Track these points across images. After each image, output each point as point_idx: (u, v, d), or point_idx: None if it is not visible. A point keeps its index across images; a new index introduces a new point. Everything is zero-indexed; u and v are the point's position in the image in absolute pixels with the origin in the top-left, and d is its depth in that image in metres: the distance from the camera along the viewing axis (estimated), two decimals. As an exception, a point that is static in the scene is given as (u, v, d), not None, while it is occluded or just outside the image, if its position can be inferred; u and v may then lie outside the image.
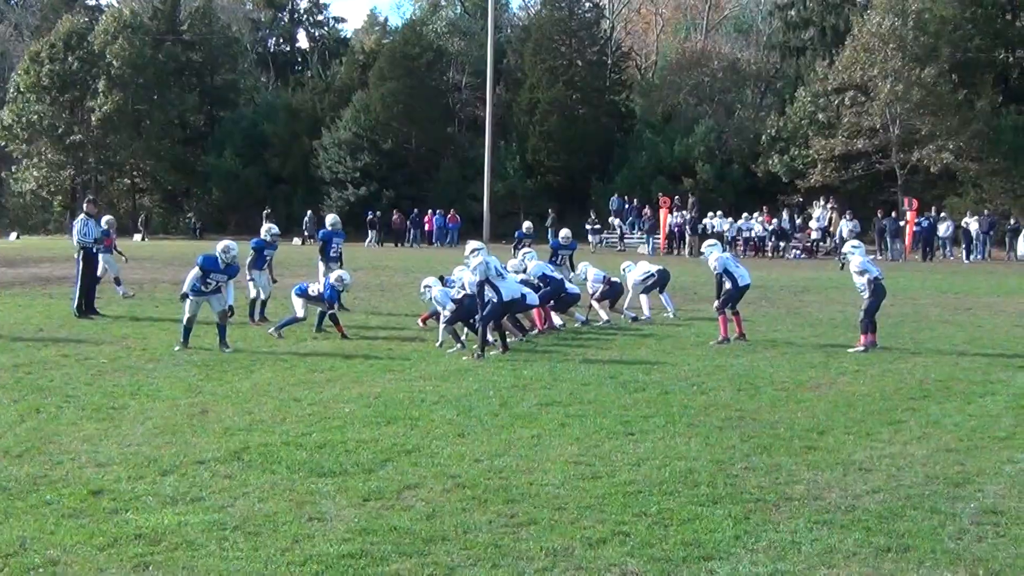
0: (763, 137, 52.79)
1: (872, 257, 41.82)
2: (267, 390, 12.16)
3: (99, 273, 21.69)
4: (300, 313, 17.15)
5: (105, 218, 23.89)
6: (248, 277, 18.45)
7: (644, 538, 6.86)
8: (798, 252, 44.45)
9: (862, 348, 15.42)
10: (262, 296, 18.43)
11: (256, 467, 8.61)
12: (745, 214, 46.72)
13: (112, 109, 62.61)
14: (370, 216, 53.20)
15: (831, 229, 45.00)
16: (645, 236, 46.86)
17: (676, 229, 46.96)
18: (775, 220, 46.11)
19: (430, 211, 54.21)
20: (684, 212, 47.06)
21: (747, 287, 16.63)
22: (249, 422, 10.35)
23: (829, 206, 46.00)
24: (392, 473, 8.46)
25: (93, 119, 63.53)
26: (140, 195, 69.96)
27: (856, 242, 17.05)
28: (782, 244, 44.97)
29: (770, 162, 51.69)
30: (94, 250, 19.97)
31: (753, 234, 45.50)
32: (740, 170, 55.18)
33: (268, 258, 18.99)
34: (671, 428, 10.20)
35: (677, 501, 7.69)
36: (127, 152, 65.27)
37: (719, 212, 47.37)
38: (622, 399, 11.72)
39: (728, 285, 16.47)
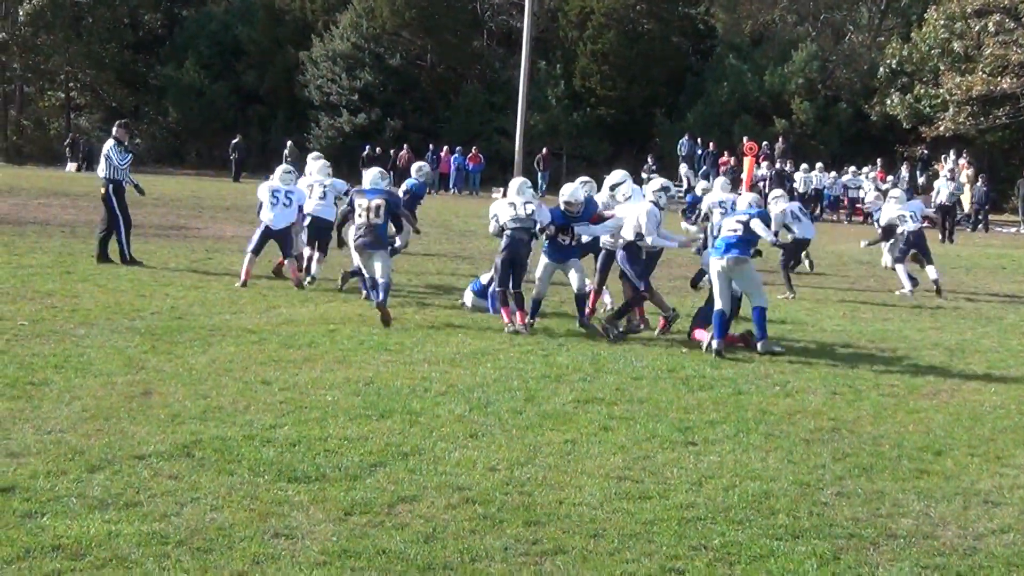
0: (880, 70, 52.49)
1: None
2: (228, 368, 12.19)
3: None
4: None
5: (316, 157, 23.94)
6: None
7: (702, 578, 6.87)
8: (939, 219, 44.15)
9: None
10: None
11: (210, 466, 8.64)
12: (852, 168, 46.47)
13: (44, 2, 62.72)
14: (367, 151, 53.23)
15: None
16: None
17: (762, 184, 46.75)
18: (891, 177, 45.83)
19: (446, 148, 54.16)
20: (776, 162, 46.78)
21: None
22: (203, 409, 10.38)
23: (962, 161, 45.67)
24: (383, 481, 8.48)
25: (20, 13, 63.73)
26: (76, 113, 70.22)
27: None
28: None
29: (888, 102, 51.37)
30: (125, 183, 20.63)
31: (861, 194, 45.23)
32: (848, 111, 54.98)
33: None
34: (743, 439, 10.19)
35: (747, 533, 7.69)
36: (62, 58, 65.48)
37: (819, 164, 47.11)
38: (682, 399, 11.72)
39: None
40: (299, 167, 23.75)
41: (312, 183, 19.58)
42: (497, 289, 15.48)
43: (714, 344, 14.09)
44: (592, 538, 7.45)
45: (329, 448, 9.26)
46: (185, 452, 8.96)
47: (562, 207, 15.57)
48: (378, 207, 15.88)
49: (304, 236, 19.45)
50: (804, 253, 22.46)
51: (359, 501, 7.95)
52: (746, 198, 15.89)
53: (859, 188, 45.10)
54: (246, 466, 8.65)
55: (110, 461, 8.64)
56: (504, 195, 20.15)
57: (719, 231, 15.43)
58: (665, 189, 15.98)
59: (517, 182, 16.20)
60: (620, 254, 15.44)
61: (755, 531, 7.72)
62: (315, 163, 20.73)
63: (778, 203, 20.89)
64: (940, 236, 35.86)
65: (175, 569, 6.64)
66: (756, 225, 14.68)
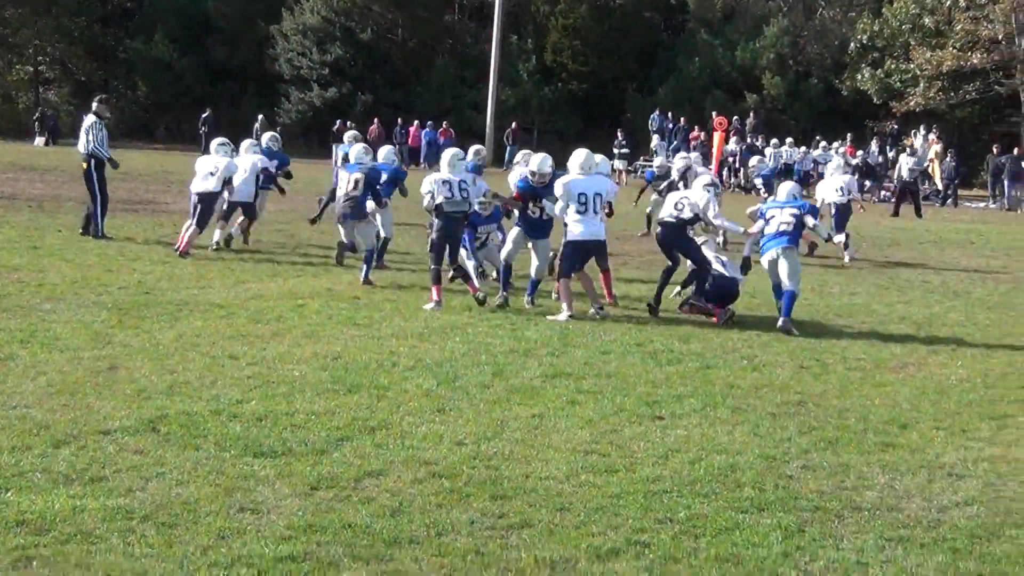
0: (851, 45, 52.52)
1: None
2: (195, 343, 12.16)
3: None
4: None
5: (269, 135, 24.02)
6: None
7: (668, 551, 6.88)
8: (888, 194, 44.32)
9: None
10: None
11: (176, 441, 8.62)
12: (823, 143, 46.52)
13: (12, -26, 62.34)
14: (337, 125, 52.98)
15: (931, 167, 44.68)
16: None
17: (732, 159, 46.76)
18: (860, 152, 45.86)
19: (416, 123, 53.98)
20: (747, 138, 46.75)
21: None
22: (170, 384, 10.36)
23: (931, 137, 45.77)
24: (350, 455, 8.48)
25: (-13, -13, 63.26)
26: (45, 87, 69.74)
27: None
28: (868, 183, 44.74)
29: (859, 77, 51.43)
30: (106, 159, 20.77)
31: (831, 168, 45.11)
32: (819, 86, 55.05)
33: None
34: (710, 413, 10.22)
35: (713, 506, 7.71)
36: (30, 31, 65.01)
37: (789, 139, 47.16)
38: (650, 373, 11.74)
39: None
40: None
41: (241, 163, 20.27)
42: (432, 267, 15.42)
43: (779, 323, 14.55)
44: (558, 511, 7.46)
45: (296, 423, 9.25)
46: (151, 427, 8.94)
47: (529, 178, 15.60)
48: (357, 181, 17.15)
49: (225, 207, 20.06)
50: None
51: (325, 476, 7.95)
52: (786, 187, 16.09)
53: (829, 163, 44.94)
54: (212, 441, 8.64)
55: (75, 436, 8.62)
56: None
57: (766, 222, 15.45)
58: (714, 185, 16.28)
59: (449, 154, 16.14)
60: (662, 231, 15.52)
61: (721, 504, 7.75)
62: (243, 143, 21.47)
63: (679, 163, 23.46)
64: (894, 211, 35.81)
65: (140, 544, 6.63)
66: (809, 221, 15.30)
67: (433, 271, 15.29)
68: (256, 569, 6.35)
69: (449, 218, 15.40)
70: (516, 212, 15.93)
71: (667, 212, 15.69)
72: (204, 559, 6.45)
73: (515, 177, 17.11)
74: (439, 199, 15.35)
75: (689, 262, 15.76)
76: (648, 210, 24.84)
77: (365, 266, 16.87)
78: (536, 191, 15.48)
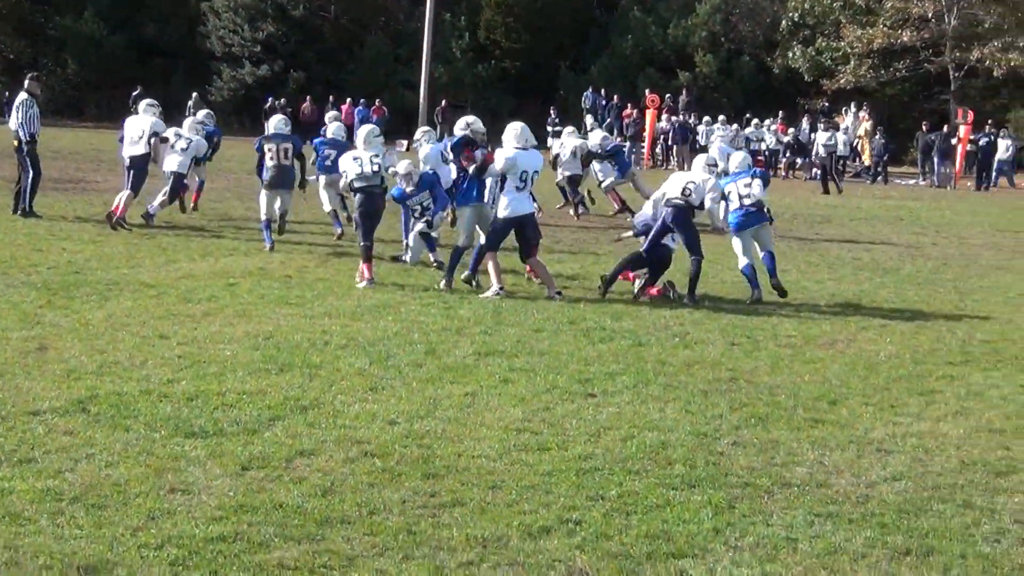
0: (783, 23, 52.79)
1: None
2: (125, 323, 12.08)
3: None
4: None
5: (204, 112, 24.10)
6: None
7: (599, 528, 6.91)
8: (819, 171, 44.56)
9: None
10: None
11: (106, 422, 8.56)
12: (755, 120, 46.75)
13: (-62, -50, 61.40)
14: (268, 102, 52.54)
15: (861, 144, 44.96)
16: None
17: (663, 136, 46.86)
18: (792, 129, 46.08)
19: (349, 100, 53.67)
20: (678, 116, 46.87)
21: None
22: (99, 364, 10.28)
23: (862, 114, 46.08)
24: (281, 435, 8.45)
25: (-88, -38, 62.28)
26: (-28, 65, 68.87)
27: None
28: (799, 160, 45.00)
29: (790, 55, 51.80)
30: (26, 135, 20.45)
31: (763, 146, 45.29)
32: (751, 64, 55.26)
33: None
34: (642, 390, 10.26)
35: (644, 483, 7.75)
36: (-44, 8, 64.11)
37: (721, 116, 47.31)
38: (583, 351, 11.78)
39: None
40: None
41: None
42: (362, 244, 15.39)
43: (754, 294, 15.12)
44: (490, 490, 7.48)
45: (227, 403, 9.22)
46: (81, 408, 8.88)
47: (469, 133, 15.63)
48: (286, 150, 17.82)
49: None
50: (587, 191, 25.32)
51: (257, 455, 7.93)
52: (738, 157, 16.55)
53: (761, 140, 45.21)
54: (142, 421, 8.60)
55: (4, 417, 8.55)
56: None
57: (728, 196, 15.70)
58: (715, 164, 16.42)
59: (365, 131, 16.36)
60: (672, 212, 15.38)
61: (652, 481, 7.79)
62: (186, 121, 21.92)
63: (571, 139, 24.81)
64: (823, 188, 36.14)
65: (69, 525, 6.59)
66: (756, 186, 15.63)
67: (363, 248, 15.26)
68: (187, 550, 6.31)
69: (364, 193, 15.43)
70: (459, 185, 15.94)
71: (675, 194, 15.40)
72: (134, 540, 6.42)
73: (424, 153, 17.60)
74: (351, 176, 15.37)
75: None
76: (558, 180, 25.09)
77: (267, 232, 17.84)
78: (476, 142, 15.50)
